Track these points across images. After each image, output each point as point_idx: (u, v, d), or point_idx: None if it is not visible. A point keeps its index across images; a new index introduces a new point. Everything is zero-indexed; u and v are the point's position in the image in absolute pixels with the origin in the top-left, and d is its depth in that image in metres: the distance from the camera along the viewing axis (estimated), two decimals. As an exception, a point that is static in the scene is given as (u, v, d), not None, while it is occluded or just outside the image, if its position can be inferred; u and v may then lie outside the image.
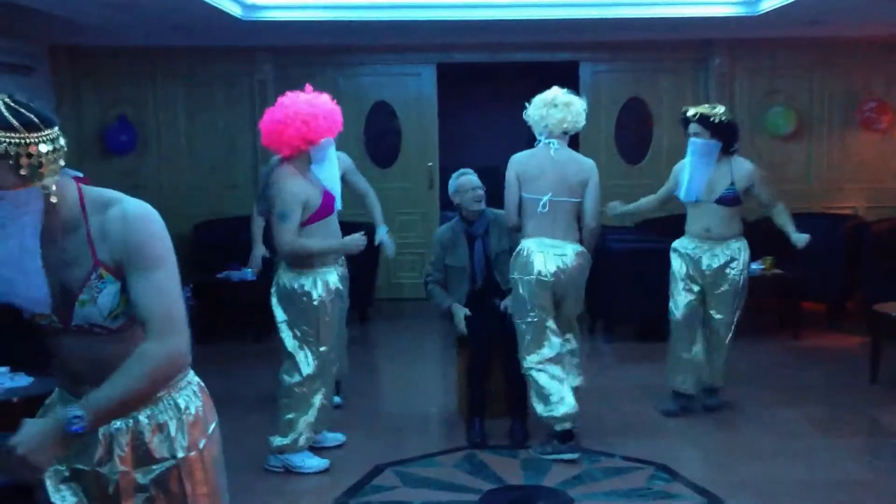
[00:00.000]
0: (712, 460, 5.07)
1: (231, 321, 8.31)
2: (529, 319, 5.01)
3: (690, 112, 5.59)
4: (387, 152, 9.36)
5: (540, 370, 5.02)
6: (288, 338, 4.78)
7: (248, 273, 7.84)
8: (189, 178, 9.13)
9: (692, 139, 5.55)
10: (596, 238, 5.22)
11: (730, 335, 5.76)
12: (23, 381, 4.63)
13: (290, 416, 4.81)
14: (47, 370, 4.83)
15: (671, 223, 8.60)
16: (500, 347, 5.37)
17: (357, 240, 4.80)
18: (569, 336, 5.26)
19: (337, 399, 5.68)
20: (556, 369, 5.02)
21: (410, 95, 9.23)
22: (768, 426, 5.62)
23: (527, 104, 5.20)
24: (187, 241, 8.85)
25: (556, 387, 4.98)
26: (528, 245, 5.02)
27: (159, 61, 8.95)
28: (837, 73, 9.10)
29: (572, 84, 9.06)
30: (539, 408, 5.03)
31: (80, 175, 2.60)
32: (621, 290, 7.49)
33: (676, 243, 5.77)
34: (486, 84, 10.81)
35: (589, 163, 5.14)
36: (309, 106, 4.68)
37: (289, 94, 4.76)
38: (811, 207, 9.04)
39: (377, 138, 9.45)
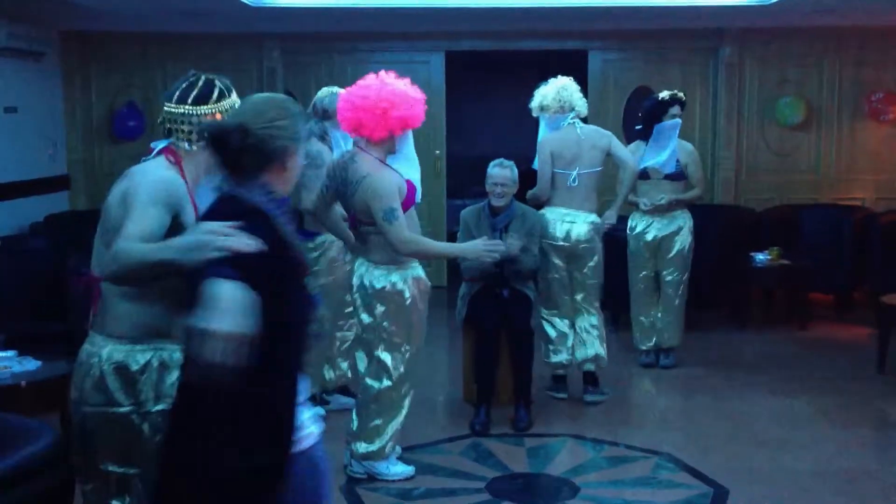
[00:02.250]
0: (718, 449, 5.06)
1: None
2: (549, 276, 5.69)
3: (668, 94, 6.37)
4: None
5: (547, 320, 5.74)
6: (373, 340, 4.45)
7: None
8: (197, 165, 9.15)
9: (677, 119, 6.29)
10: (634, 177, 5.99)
11: (679, 296, 6.53)
12: (30, 364, 4.64)
13: (377, 421, 4.52)
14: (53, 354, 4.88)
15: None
16: (505, 335, 5.39)
17: (477, 246, 4.37)
18: (588, 308, 5.80)
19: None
20: (561, 324, 5.76)
21: (418, 83, 8.99)
22: (775, 416, 5.62)
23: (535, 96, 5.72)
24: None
25: (558, 338, 5.74)
26: (546, 213, 5.67)
27: (168, 47, 8.95)
28: (847, 63, 9.05)
29: (581, 72, 9.14)
30: (542, 351, 5.76)
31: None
32: (627, 279, 7.47)
33: (630, 220, 6.55)
34: (494, 72, 10.78)
35: (607, 132, 5.83)
36: (413, 90, 4.35)
37: (375, 75, 4.35)
38: (820, 198, 9.03)
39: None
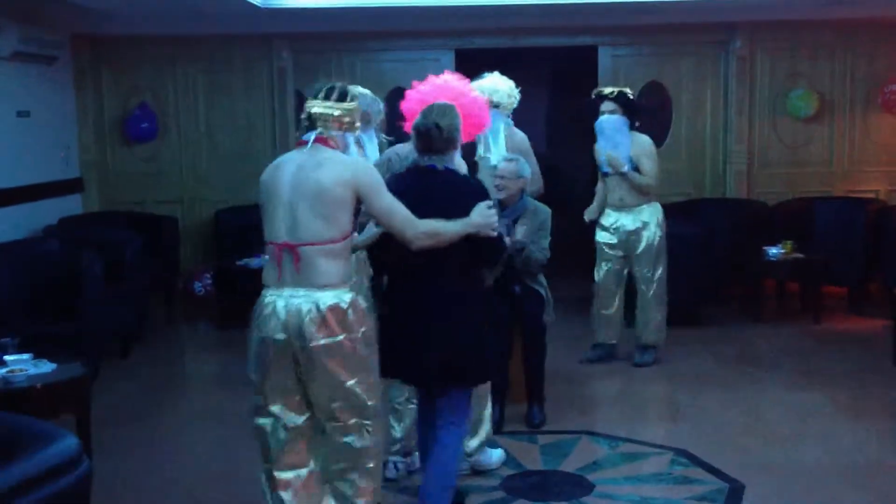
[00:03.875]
0: (733, 444, 5.04)
1: (251, 307, 8.33)
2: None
3: (596, 92, 6.41)
4: (404, 138, 9.32)
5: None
6: None
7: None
8: (209, 165, 9.16)
9: (614, 116, 6.24)
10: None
11: (652, 291, 6.47)
12: (45, 367, 4.66)
13: (474, 416, 4.42)
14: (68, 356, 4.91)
15: (690, 208, 8.60)
16: (518, 333, 5.38)
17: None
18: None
19: None
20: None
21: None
22: (789, 409, 5.60)
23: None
24: (208, 227, 8.90)
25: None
26: None
27: (179, 49, 8.97)
28: (859, 55, 9.00)
29: (591, 68, 9.13)
30: None
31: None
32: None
33: (602, 217, 6.52)
34: (504, 69, 10.74)
35: None
36: (479, 98, 4.45)
37: (437, 79, 4.52)
38: (833, 190, 8.99)
39: (395, 124, 9.42)
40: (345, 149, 3.54)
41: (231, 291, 8.06)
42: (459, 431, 3.93)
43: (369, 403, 3.43)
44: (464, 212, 3.63)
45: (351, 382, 3.36)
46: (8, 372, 4.54)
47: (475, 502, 4.35)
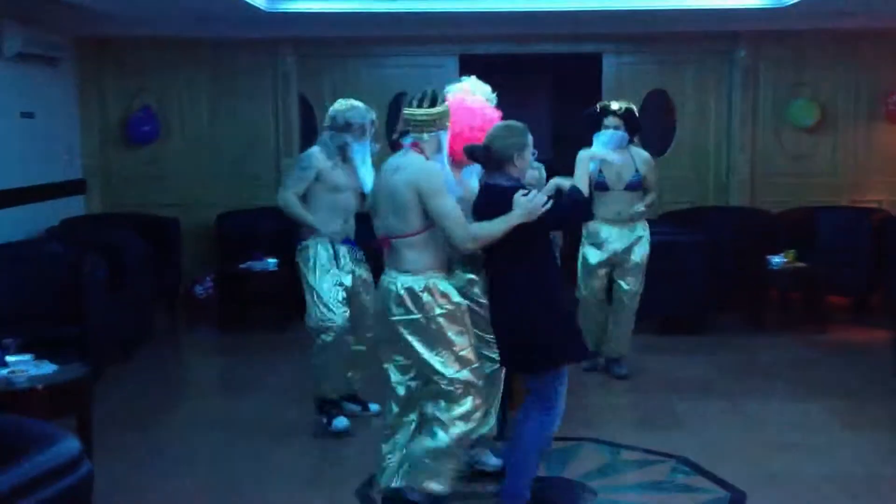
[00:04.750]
0: (735, 454, 5.02)
1: (253, 311, 8.34)
2: None
3: (600, 106, 6.23)
4: (396, 147, 9.33)
5: None
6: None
7: (270, 263, 7.88)
8: (212, 169, 9.15)
9: (617, 132, 6.09)
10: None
11: (634, 305, 6.42)
12: (46, 368, 4.65)
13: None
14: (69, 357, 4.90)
15: (693, 216, 8.60)
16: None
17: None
18: None
19: (374, 407, 5.63)
20: None
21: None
22: (792, 420, 5.59)
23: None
24: (210, 231, 8.89)
25: None
26: None
27: (183, 52, 8.98)
28: (863, 66, 9.00)
29: (595, 76, 9.14)
30: None
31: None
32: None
33: (585, 230, 6.37)
34: (508, 76, 10.76)
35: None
36: (492, 111, 4.50)
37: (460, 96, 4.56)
38: (837, 200, 8.98)
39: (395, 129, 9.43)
40: (438, 147, 4.03)
41: (233, 295, 8.06)
42: (539, 418, 4.06)
43: (447, 375, 3.89)
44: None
45: (427, 355, 3.90)
46: (9, 373, 4.52)
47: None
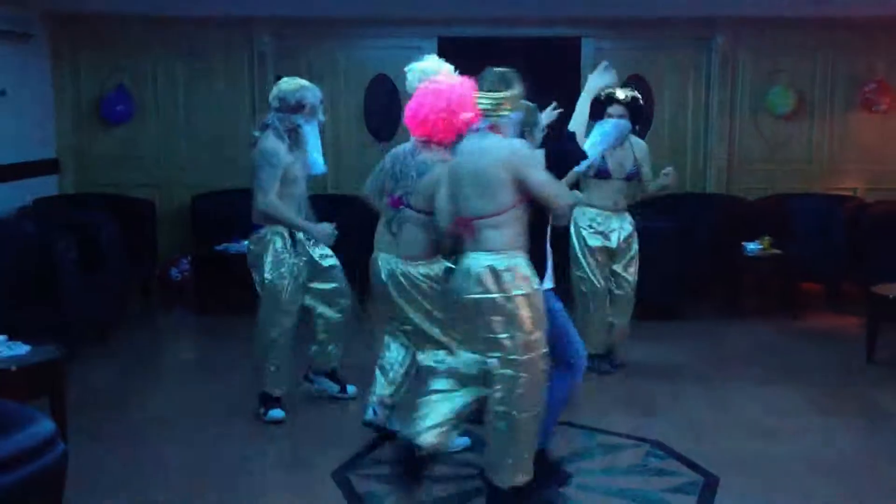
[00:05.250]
0: (709, 438, 5.07)
1: (229, 293, 8.29)
2: None
3: (605, 93, 5.76)
4: (386, 126, 9.29)
5: None
6: (431, 327, 4.67)
7: (247, 245, 7.83)
8: (187, 150, 9.07)
9: (620, 121, 5.86)
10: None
11: (632, 294, 6.28)
12: (20, 349, 4.62)
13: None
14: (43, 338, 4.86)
15: (670, 203, 8.62)
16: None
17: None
18: None
19: (352, 389, 5.66)
20: None
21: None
22: (765, 405, 5.64)
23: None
24: (185, 212, 8.82)
25: None
26: None
27: (159, 30, 8.87)
28: (840, 53, 9.05)
29: (574, 59, 9.12)
30: None
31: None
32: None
33: (582, 220, 6.13)
34: (488, 58, 10.72)
35: None
36: (469, 87, 4.49)
37: (430, 82, 4.65)
38: (811, 188, 9.04)
39: (377, 112, 9.39)
40: (514, 125, 4.12)
41: (209, 277, 8.01)
42: (562, 376, 4.29)
43: (514, 358, 3.91)
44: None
45: (502, 336, 3.90)
46: (-18, 354, 4.49)
47: (451, 490, 4.35)
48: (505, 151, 3.96)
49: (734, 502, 4.32)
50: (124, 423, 5.29)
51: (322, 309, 5.46)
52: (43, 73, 8.62)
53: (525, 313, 3.90)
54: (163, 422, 5.36)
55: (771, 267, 7.93)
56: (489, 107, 4.04)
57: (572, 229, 6.15)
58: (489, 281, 3.89)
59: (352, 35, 9.10)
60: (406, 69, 5.04)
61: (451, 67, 4.89)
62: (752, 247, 7.84)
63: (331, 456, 4.74)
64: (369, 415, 4.86)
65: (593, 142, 5.53)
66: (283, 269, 5.21)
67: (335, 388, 5.61)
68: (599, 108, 5.83)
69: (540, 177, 3.96)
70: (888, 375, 6.18)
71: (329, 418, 5.30)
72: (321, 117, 5.32)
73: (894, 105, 8.98)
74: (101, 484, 4.41)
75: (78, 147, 8.99)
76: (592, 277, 6.16)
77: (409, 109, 4.70)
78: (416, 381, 4.75)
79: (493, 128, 4.05)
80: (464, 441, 4.77)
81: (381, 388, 4.87)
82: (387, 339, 4.95)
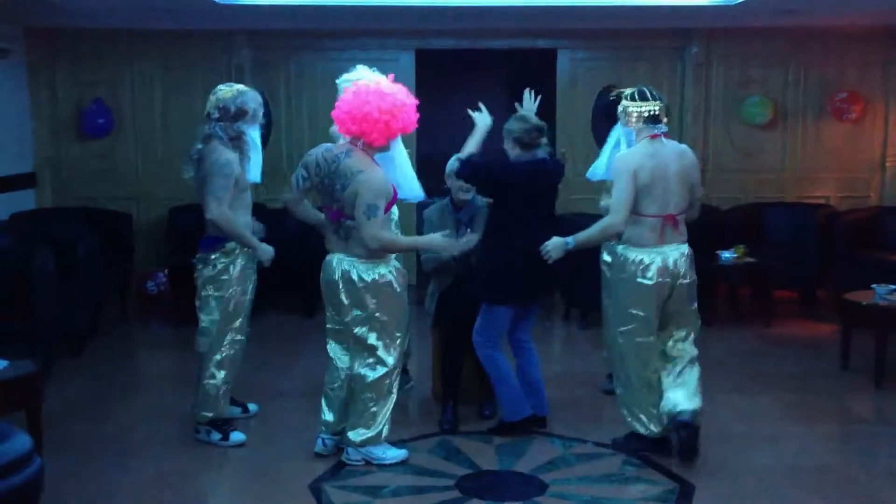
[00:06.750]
0: (684, 446, 5.10)
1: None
2: None
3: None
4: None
5: None
6: (364, 332, 4.65)
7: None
8: (165, 162, 9.05)
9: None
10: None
11: None
12: (-3, 364, 4.60)
13: (374, 408, 4.72)
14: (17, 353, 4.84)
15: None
16: (470, 330, 5.37)
17: (438, 239, 4.78)
18: None
19: (253, 407, 5.65)
20: None
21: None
22: (739, 412, 5.68)
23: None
24: (162, 225, 8.81)
25: None
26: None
27: (137, 44, 8.88)
28: (811, 64, 9.16)
29: (550, 71, 9.18)
30: None
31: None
32: (595, 278, 7.51)
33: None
34: (464, 70, 10.79)
35: None
36: (408, 96, 4.62)
37: (371, 83, 4.64)
38: (785, 196, 9.15)
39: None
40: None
41: (186, 290, 7.97)
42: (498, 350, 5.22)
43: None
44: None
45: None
46: (-43, 369, 4.47)
47: (428, 502, 4.37)
48: (692, 156, 4.81)
49: (709, 509, 4.35)
50: (100, 435, 5.27)
51: None
52: (20, 87, 8.60)
53: (691, 296, 4.99)
54: (138, 432, 5.35)
55: (745, 275, 7.99)
56: (660, 112, 4.67)
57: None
58: (690, 266, 4.89)
59: (329, 47, 9.13)
60: (337, 81, 5.07)
61: (385, 78, 4.89)
62: (726, 255, 7.90)
63: (308, 468, 4.74)
64: (318, 447, 4.90)
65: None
66: (248, 285, 5.14)
67: (237, 410, 5.51)
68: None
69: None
70: (862, 382, 6.24)
71: (303, 430, 5.30)
72: (262, 120, 5.23)
73: (865, 113, 9.10)
74: (76, 497, 4.40)
75: (55, 161, 8.97)
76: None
77: (343, 104, 4.59)
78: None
79: (666, 135, 4.74)
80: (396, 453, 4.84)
81: (326, 414, 4.91)
82: (330, 348, 4.91)
